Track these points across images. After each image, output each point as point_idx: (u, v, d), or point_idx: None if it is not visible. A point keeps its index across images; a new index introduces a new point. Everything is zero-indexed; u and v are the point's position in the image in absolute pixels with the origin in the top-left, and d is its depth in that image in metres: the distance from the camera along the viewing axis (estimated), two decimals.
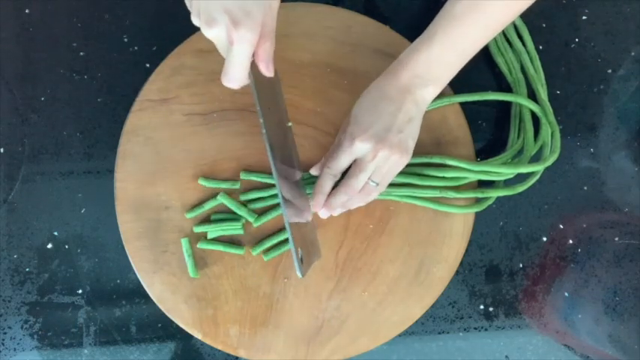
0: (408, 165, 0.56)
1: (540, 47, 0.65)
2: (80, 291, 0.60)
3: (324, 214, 0.56)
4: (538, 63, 0.63)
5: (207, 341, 0.57)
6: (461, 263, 0.60)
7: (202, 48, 0.60)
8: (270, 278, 0.58)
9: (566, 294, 0.62)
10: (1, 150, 0.62)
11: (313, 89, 0.61)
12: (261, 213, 0.59)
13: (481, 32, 0.53)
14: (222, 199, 0.58)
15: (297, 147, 0.58)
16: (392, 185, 0.57)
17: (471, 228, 0.60)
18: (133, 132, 0.59)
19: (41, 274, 0.60)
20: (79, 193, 0.61)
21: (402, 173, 0.56)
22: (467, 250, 0.60)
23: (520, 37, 0.63)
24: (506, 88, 0.64)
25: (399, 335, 0.59)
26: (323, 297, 0.58)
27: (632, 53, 0.66)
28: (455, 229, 0.60)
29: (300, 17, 0.62)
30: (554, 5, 0.66)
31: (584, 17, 0.66)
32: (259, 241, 0.58)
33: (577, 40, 0.66)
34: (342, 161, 0.55)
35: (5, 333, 0.60)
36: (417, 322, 0.59)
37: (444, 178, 0.58)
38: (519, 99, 0.60)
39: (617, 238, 0.63)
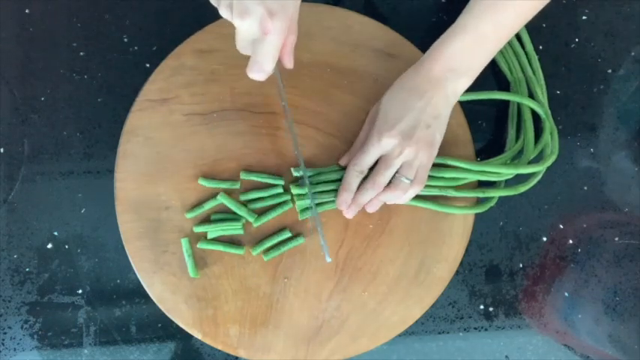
0: None
1: (540, 47, 0.65)
2: (80, 291, 0.60)
3: (350, 213, 0.56)
4: (537, 65, 0.63)
5: (207, 341, 0.57)
6: (461, 263, 0.60)
7: (202, 48, 0.60)
8: (270, 278, 0.58)
9: (566, 294, 0.62)
10: (1, 150, 0.62)
11: (313, 89, 0.61)
12: (261, 213, 0.59)
13: (514, 17, 0.52)
14: (222, 199, 0.58)
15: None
16: None
17: (471, 228, 0.60)
18: (133, 132, 0.59)
19: (41, 274, 0.60)
20: (79, 193, 0.61)
21: None
22: (467, 250, 0.60)
23: (519, 38, 0.63)
24: (506, 88, 0.64)
25: (399, 335, 0.58)
26: (323, 297, 0.58)
27: (632, 53, 0.66)
28: (455, 229, 0.60)
29: (300, 17, 0.62)
30: (554, 5, 0.66)
31: (584, 17, 0.66)
32: (259, 241, 0.58)
33: (577, 40, 0.66)
34: (369, 157, 0.54)
35: (5, 333, 0.60)
36: (417, 322, 0.59)
37: (443, 178, 0.58)
38: (524, 99, 0.60)
39: (617, 238, 0.63)
